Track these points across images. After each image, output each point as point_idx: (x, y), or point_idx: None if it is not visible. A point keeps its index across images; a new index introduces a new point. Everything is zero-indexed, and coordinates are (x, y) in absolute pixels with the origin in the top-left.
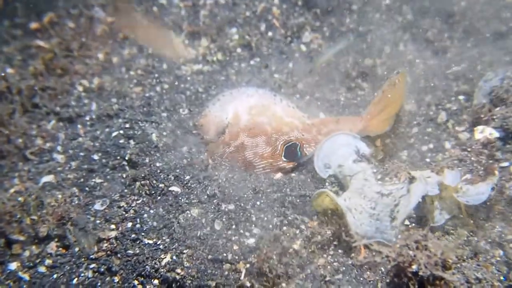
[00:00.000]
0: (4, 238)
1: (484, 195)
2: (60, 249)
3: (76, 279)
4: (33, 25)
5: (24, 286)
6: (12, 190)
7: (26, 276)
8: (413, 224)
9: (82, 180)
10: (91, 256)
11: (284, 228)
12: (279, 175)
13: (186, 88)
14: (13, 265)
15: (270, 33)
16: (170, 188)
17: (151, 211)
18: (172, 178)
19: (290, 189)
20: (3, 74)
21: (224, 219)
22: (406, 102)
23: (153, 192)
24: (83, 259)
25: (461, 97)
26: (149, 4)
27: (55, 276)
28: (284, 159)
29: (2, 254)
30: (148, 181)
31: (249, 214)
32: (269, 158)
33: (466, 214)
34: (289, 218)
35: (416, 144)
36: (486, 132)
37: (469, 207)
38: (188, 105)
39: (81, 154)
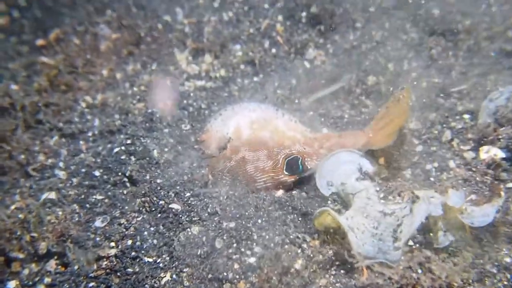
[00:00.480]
0: (3, 255)
1: (489, 217)
2: (60, 267)
3: None
4: (39, 41)
5: None
6: (13, 207)
7: None
8: (417, 245)
9: (83, 196)
10: (90, 275)
11: (286, 246)
12: (280, 193)
13: (188, 104)
14: (12, 284)
15: (273, 50)
16: (170, 206)
17: (152, 229)
18: (173, 195)
19: (292, 207)
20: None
21: (225, 237)
22: (410, 120)
23: (153, 209)
24: (82, 278)
25: (466, 116)
26: (154, 22)
27: None
28: (286, 173)
29: (1, 272)
30: (148, 198)
31: (250, 232)
32: (271, 172)
33: (471, 236)
34: (291, 236)
35: (421, 162)
36: (491, 153)
37: (474, 228)
38: (191, 121)
39: (83, 170)
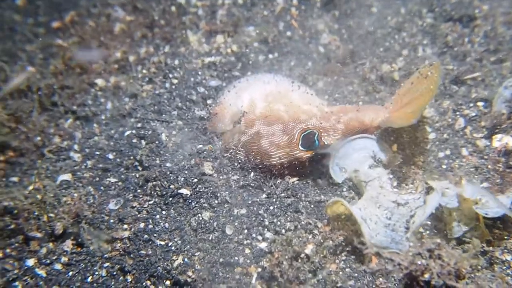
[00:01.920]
0: (22, 234)
1: (503, 208)
2: (76, 247)
3: (90, 277)
4: (55, 23)
5: (41, 283)
6: (30, 187)
7: (42, 273)
8: (428, 232)
9: (97, 179)
10: (105, 255)
11: (297, 232)
12: (294, 179)
13: (197, 83)
14: (31, 262)
15: (288, 33)
16: (179, 191)
17: (163, 212)
18: (182, 179)
19: (305, 195)
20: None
21: (236, 224)
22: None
23: (164, 193)
24: (97, 258)
25: (480, 103)
26: (168, 4)
27: (70, 273)
28: (302, 148)
29: (20, 250)
30: (159, 182)
31: (262, 219)
32: (286, 147)
33: (484, 226)
34: (302, 222)
35: (433, 150)
36: (504, 141)
37: (488, 219)
38: (201, 99)
39: (97, 153)
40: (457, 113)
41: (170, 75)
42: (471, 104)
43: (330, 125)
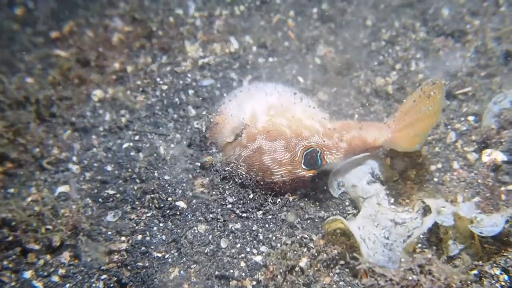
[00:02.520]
0: (20, 246)
1: (498, 227)
2: (73, 259)
3: None
4: (54, 34)
5: None
6: (29, 199)
7: (40, 285)
8: (420, 245)
9: (96, 191)
10: (102, 267)
11: (292, 245)
12: (295, 197)
13: (188, 86)
14: (28, 274)
15: (286, 43)
16: (176, 203)
17: (161, 224)
18: (180, 192)
19: (303, 211)
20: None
21: (230, 238)
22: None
23: (162, 205)
24: (94, 270)
25: (470, 118)
26: (166, 15)
27: (67, 286)
28: (304, 167)
29: (17, 262)
30: (157, 195)
31: (256, 234)
32: (288, 165)
33: (479, 244)
34: (298, 237)
35: (425, 163)
36: (493, 156)
37: (483, 237)
38: (194, 107)
39: (95, 165)
40: (448, 127)
41: (160, 82)
42: (462, 119)
43: (333, 143)
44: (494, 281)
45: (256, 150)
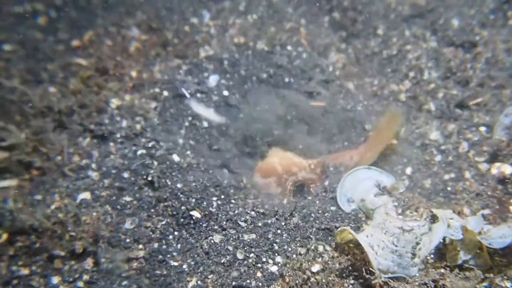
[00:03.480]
0: (46, 252)
1: (507, 239)
2: (96, 265)
3: None
4: (75, 42)
5: None
6: (53, 207)
7: None
8: (432, 256)
9: (114, 198)
10: (123, 274)
11: (306, 256)
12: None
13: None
14: (55, 279)
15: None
16: (191, 213)
17: (176, 233)
18: (193, 201)
19: (317, 222)
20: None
21: (246, 249)
22: (430, 130)
23: (175, 213)
24: (115, 276)
25: (482, 128)
26: (181, 23)
27: None
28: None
29: (45, 267)
30: (170, 203)
31: (271, 244)
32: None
33: (488, 255)
34: (312, 247)
35: (439, 172)
36: (501, 169)
37: (492, 249)
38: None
39: (113, 171)
40: (461, 137)
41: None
42: (474, 129)
43: (317, 176)
44: None
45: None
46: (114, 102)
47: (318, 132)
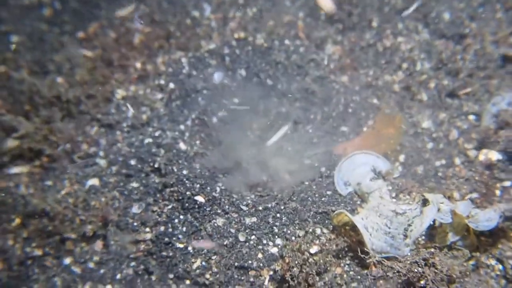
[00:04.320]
0: (58, 235)
1: (493, 222)
2: (105, 247)
3: (119, 275)
4: (80, 34)
5: (77, 279)
6: (63, 192)
7: (78, 270)
8: (423, 237)
9: (122, 184)
10: (131, 256)
11: (305, 238)
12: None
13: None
14: (67, 260)
15: (297, 42)
16: (195, 198)
17: (181, 217)
18: (198, 186)
19: (315, 206)
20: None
21: (247, 231)
22: (422, 119)
23: (181, 198)
24: (124, 258)
25: (471, 117)
26: (183, 16)
27: (102, 271)
28: None
29: (57, 249)
30: (176, 188)
31: (272, 227)
32: None
33: (475, 237)
34: (310, 229)
35: (431, 159)
36: (488, 155)
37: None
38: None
39: (120, 159)
40: (451, 125)
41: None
42: (463, 117)
43: None
44: (490, 271)
45: None
46: (120, 93)
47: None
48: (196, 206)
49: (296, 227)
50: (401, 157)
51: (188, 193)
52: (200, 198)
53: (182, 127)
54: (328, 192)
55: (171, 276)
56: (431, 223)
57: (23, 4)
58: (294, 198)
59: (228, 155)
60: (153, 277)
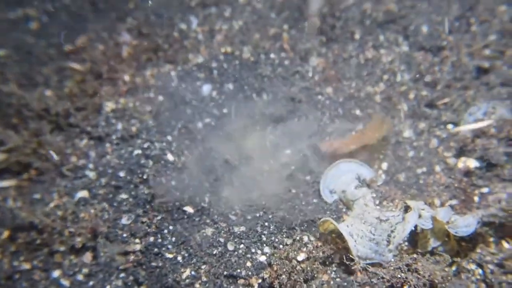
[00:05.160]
0: (47, 248)
1: (471, 228)
2: (95, 259)
3: (108, 286)
4: (68, 47)
5: None
6: (52, 205)
7: (67, 283)
8: (406, 244)
9: (111, 195)
10: (120, 267)
11: (292, 246)
12: None
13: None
14: (56, 273)
15: (283, 54)
16: (184, 208)
17: (170, 227)
18: (186, 197)
19: (302, 214)
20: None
21: (236, 241)
22: (404, 129)
23: (170, 209)
24: (113, 269)
25: (449, 126)
26: (170, 29)
27: (91, 283)
28: None
29: (46, 262)
30: (165, 199)
31: (260, 236)
32: None
33: (455, 242)
34: (297, 237)
35: (412, 166)
36: (467, 163)
37: (458, 237)
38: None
39: (109, 171)
40: (431, 134)
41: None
42: (442, 126)
43: None
44: (470, 275)
45: None
46: (109, 106)
47: None
48: (185, 217)
49: (284, 235)
50: (384, 165)
51: (177, 203)
52: (189, 209)
53: (169, 137)
54: (315, 200)
55: (160, 286)
56: (413, 229)
57: (9, 18)
58: (282, 207)
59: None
60: None
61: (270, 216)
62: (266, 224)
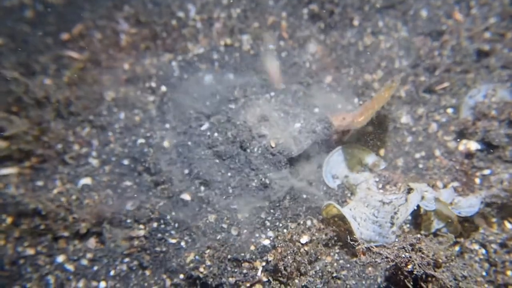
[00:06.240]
0: (51, 233)
1: (474, 208)
2: (99, 244)
3: (113, 271)
4: (64, 36)
5: (70, 277)
6: (55, 191)
7: (71, 268)
8: (409, 225)
9: (115, 182)
10: (124, 252)
11: (296, 229)
12: None
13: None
14: (60, 258)
15: (281, 43)
16: (181, 196)
17: (173, 213)
18: (184, 186)
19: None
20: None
21: (239, 226)
22: (401, 115)
23: (171, 195)
24: (118, 254)
25: (449, 110)
26: (168, 18)
27: (95, 268)
28: None
29: (50, 247)
30: (167, 186)
31: (263, 221)
32: None
33: (458, 223)
34: (301, 222)
35: (411, 151)
36: (467, 145)
37: (461, 217)
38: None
39: (113, 159)
40: (430, 119)
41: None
42: (442, 111)
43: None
44: (473, 255)
45: None
46: (110, 94)
47: None
48: (187, 204)
49: (288, 221)
50: (381, 151)
51: (177, 190)
52: (186, 196)
53: (167, 125)
54: (322, 190)
55: (164, 270)
56: (416, 208)
57: (4, 6)
58: (288, 198)
59: None
60: (147, 272)
61: (277, 204)
62: (271, 211)
